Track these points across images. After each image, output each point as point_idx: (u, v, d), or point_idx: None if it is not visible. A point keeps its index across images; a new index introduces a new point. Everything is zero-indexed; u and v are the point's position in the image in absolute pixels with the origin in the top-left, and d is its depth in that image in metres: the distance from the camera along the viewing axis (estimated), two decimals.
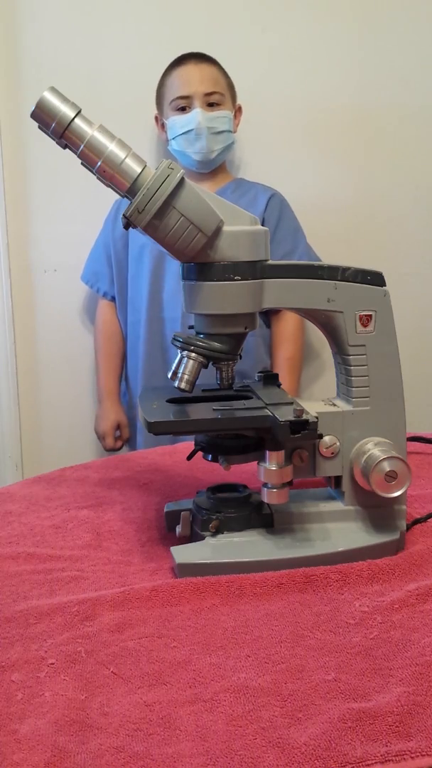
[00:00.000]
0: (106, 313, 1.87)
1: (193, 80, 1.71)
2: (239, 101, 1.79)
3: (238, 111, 1.81)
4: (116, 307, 1.86)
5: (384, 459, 0.77)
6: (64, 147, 0.76)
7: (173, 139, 1.73)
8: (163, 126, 1.78)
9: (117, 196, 1.81)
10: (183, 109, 1.71)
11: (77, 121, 0.74)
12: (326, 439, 0.81)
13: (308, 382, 1.97)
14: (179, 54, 1.74)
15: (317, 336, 0.82)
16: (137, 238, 1.77)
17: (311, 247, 1.80)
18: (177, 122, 1.71)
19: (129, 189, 0.75)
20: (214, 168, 1.78)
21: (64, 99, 0.75)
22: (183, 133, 1.71)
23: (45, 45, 1.83)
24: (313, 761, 0.51)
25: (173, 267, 1.74)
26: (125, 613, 0.70)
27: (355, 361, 0.82)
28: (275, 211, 1.79)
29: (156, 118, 1.80)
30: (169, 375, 0.80)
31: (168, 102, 1.74)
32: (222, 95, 1.73)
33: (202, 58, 1.75)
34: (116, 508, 0.97)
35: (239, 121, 1.81)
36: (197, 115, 1.68)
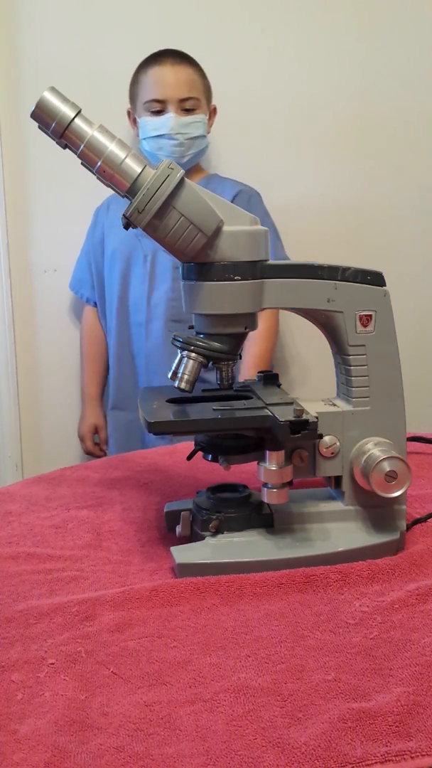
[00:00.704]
0: (89, 317, 1.90)
1: (168, 84, 1.68)
2: (229, 101, 1.76)
3: (212, 112, 1.79)
4: (99, 313, 1.89)
5: (384, 459, 0.77)
6: (64, 147, 0.76)
7: (144, 139, 1.71)
8: (135, 122, 1.75)
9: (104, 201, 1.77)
10: (157, 112, 1.68)
11: (77, 121, 0.74)
12: (326, 439, 0.81)
13: (308, 382, 1.97)
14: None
15: (317, 336, 0.82)
16: (110, 243, 1.79)
17: (283, 248, 1.78)
18: (149, 124, 1.69)
19: (129, 189, 0.75)
20: (187, 170, 1.75)
21: (64, 99, 0.75)
22: (154, 136, 1.69)
23: (45, 45, 1.83)
24: (313, 761, 0.51)
25: (139, 273, 1.75)
26: (125, 613, 0.70)
27: (355, 361, 0.82)
28: (241, 205, 1.75)
29: (128, 112, 1.77)
30: (169, 375, 0.80)
31: (141, 102, 1.71)
32: (197, 100, 1.70)
33: (180, 58, 1.71)
34: (116, 508, 0.97)
35: (213, 121, 1.79)
36: (170, 120, 1.66)
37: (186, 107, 1.68)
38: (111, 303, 1.81)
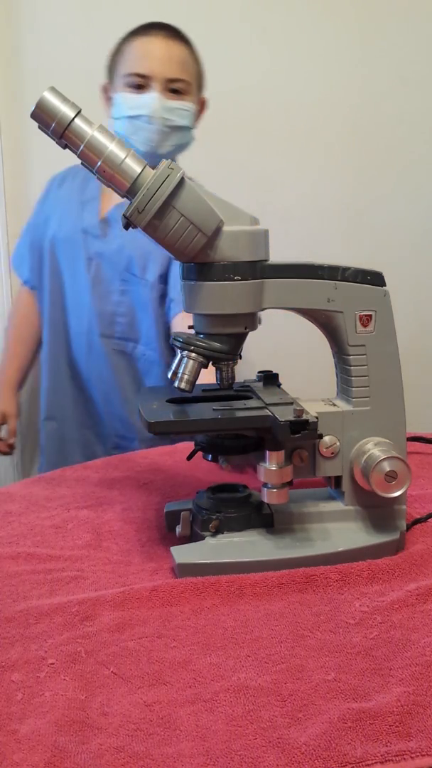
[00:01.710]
0: (24, 299, 1.68)
1: (157, 58, 1.40)
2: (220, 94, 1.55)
3: (203, 105, 1.53)
4: (37, 300, 1.66)
5: (384, 459, 0.77)
6: (64, 147, 0.76)
7: (118, 119, 1.42)
8: (110, 100, 1.47)
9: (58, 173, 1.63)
10: (138, 88, 1.39)
11: (77, 121, 0.74)
12: (326, 439, 0.81)
13: (308, 382, 1.97)
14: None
15: (317, 336, 0.82)
16: (52, 227, 1.57)
17: None
18: (127, 101, 1.40)
19: (129, 189, 0.75)
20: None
21: (64, 99, 0.75)
22: (131, 117, 1.40)
23: (45, 45, 1.83)
24: (313, 761, 0.51)
25: (81, 278, 1.54)
26: (125, 613, 0.70)
27: (355, 361, 0.82)
28: None
29: (104, 88, 1.49)
30: (169, 375, 0.80)
31: (121, 74, 1.42)
32: (188, 84, 1.42)
33: (175, 34, 1.44)
34: (116, 508, 0.97)
35: (202, 116, 1.54)
36: (153, 100, 1.38)
37: (173, 88, 1.41)
38: (44, 299, 1.60)
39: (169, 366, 0.81)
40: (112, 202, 1.55)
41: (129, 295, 1.52)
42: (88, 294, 1.53)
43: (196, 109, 1.48)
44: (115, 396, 1.57)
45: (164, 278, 1.51)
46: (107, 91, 1.49)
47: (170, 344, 1.53)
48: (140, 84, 1.39)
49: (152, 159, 1.45)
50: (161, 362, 1.55)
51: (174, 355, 1.62)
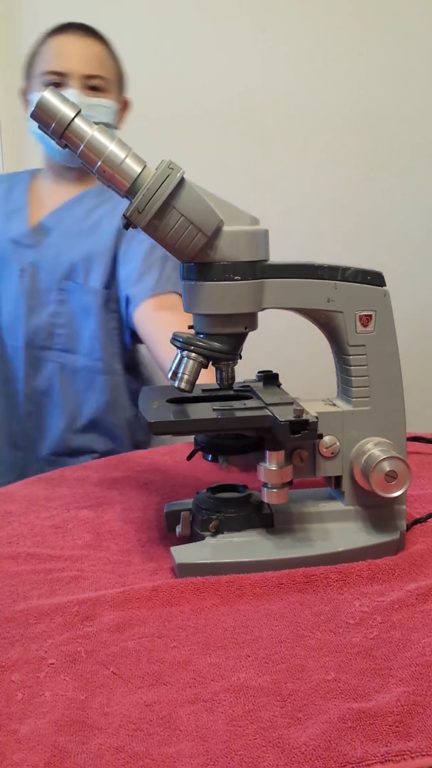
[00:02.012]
0: None
1: (72, 55, 1.40)
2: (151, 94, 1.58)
3: (125, 105, 1.52)
4: None
5: (384, 459, 0.77)
6: (64, 147, 0.76)
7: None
8: (27, 102, 1.47)
9: None
10: (55, 86, 1.33)
11: (77, 121, 0.74)
12: (326, 439, 0.81)
13: (308, 382, 1.97)
14: (179, 55, 1.70)
15: (317, 336, 0.82)
16: None
17: (177, 271, 1.53)
18: None
19: (129, 189, 0.75)
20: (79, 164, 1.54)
21: (64, 99, 0.75)
22: None
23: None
24: (313, 761, 0.51)
25: (13, 289, 1.48)
26: (125, 613, 0.70)
27: (355, 361, 0.82)
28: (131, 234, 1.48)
29: (22, 91, 1.49)
30: (169, 375, 0.80)
31: (38, 74, 1.41)
32: (107, 81, 1.42)
33: (91, 32, 1.44)
34: (116, 508, 0.97)
35: (125, 116, 1.52)
36: (71, 97, 1.28)
37: (92, 85, 1.39)
38: None
39: (171, 370, 0.80)
40: (44, 210, 1.51)
41: (68, 304, 1.47)
42: (23, 306, 1.47)
43: (117, 107, 1.46)
44: (55, 411, 1.49)
45: (109, 284, 1.46)
46: (25, 94, 1.48)
47: (127, 349, 1.49)
48: (57, 82, 1.38)
49: (75, 161, 1.38)
50: (106, 372, 1.49)
51: (129, 363, 1.51)
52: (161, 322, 1.39)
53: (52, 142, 1.34)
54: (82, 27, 1.44)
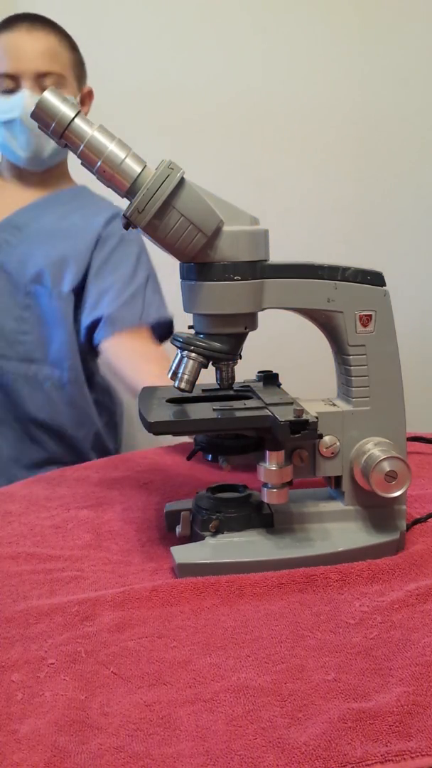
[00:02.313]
0: None
1: (22, 53, 1.31)
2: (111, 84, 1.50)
3: (87, 96, 1.44)
4: None
5: (384, 459, 0.77)
6: (64, 147, 0.77)
7: None
8: None
9: None
10: (8, 92, 1.32)
11: (77, 121, 0.74)
12: (326, 439, 0.81)
13: (308, 382, 1.97)
14: (179, 55, 1.70)
15: (317, 336, 0.82)
16: None
17: (158, 284, 1.47)
18: None
19: (129, 189, 0.75)
20: (48, 167, 1.43)
21: (64, 99, 0.75)
22: (4, 122, 1.33)
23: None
24: (313, 761, 0.51)
25: None
26: (125, 613, 0.70)
27: (355, 361, 0.82)
28: (116, 231, 1.44)
29: None
30: (169, 375, 0.80)
31: None
32: (62, 77, 1.34)
33: (40, 23, 1.35)
34: (116, 508, 0.97)
35: (89, 108, 1.46)
36: (24, 99, 1.30)
37: (47, 84, 1.32)
38: None
39: (174, 371, 0.80)
40: (5, 211, 1.42)
41: (34, 309, 1.38)
42: None
43: (78, 101, 1.40)
44: (16, 425, 1.40)
45: (79, 289, 1.39)
46: None
47: (92, 358, 1.39)
48: (10, 87, 1.31)
49: (38, 163, 1.39)
50: (74, 383, 1.41)
51: (90, 374, 1.44)
52: (138, 350, 1.36)
53: (18, 150, 1.30)
54: (28, 18, 1.35)
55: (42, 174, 1.43)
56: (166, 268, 0.85)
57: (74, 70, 1.39)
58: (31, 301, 1.38)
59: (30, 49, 1.32)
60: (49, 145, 1.36)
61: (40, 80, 1.33)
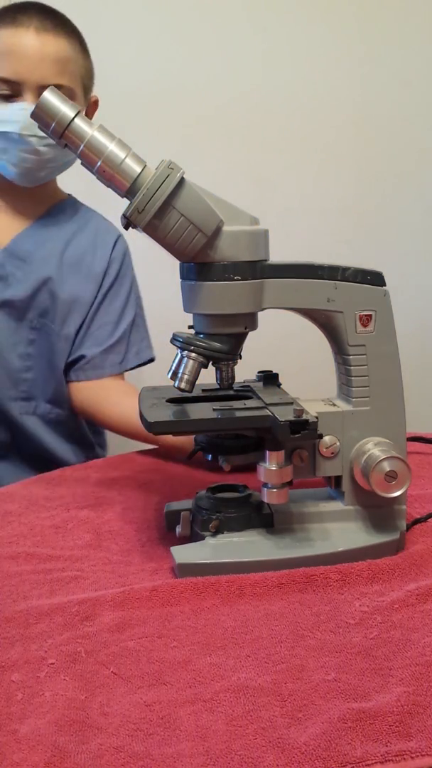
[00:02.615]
0: None
1: (28, 59, 1.12)
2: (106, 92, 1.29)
3: (92, 105, 1.28)
4: None
5: (384, 459, 0.77)
6: (64, 147, 0.77)
7: None
8: None
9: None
10: (6, 98, 1.14)
11: (77, 121, 0.74)
12: (326, 439, 0.81)
13: (308, 382, 1.97)
14: (178, 55, 1.67)
15: (317, 336, 0.82)
16: None
17: (144, 321, 1.42)
18: None
19: (129, 189, 0.75)
20: (42, 183, 1.28)
21: (64, 99, 0.75)
22: None
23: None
24: (313, 761, 0.51)
25: None
26: (125, 613, 0.70)
27: (355, 361, 0.82)
28: (121, 257, 1.37)
29: None
30: (169, 375, 0.80)
31: None
32: (71, 90, 1.18)
33: (52, 21, 1.15)
34: (116, 508, 0.97)
35: (92, 118, 1.29)
36: (25, 112, 1.13)
37: None
38: None
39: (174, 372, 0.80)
40: (1, 237, 1.29)
41: (39, 345, 1.29)
42: None
43: (84, 113, 1.22)
44: (15, 460, 1.35)
45: (79, 328, 1.32)
46: None
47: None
48: (7, 93, 1.14)
49: (32, 180, 1.24)
50: (71, 417, 1.35)
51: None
52: (121, 389, 1.33)
53: (11, 166, 1.19)
54: (39, 13, 1.14)
55: (34, 189, 1.29)
56: (167, 268, 0.85)
57: (83, 81, 1.22)
58: (36, 336, 1.30)
59: (37, 54, 1.13)
60: (48, 164, 1.22)
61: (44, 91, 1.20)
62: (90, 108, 1.29)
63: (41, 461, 1.31)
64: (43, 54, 1.13)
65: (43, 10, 1.17)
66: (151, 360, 1.41)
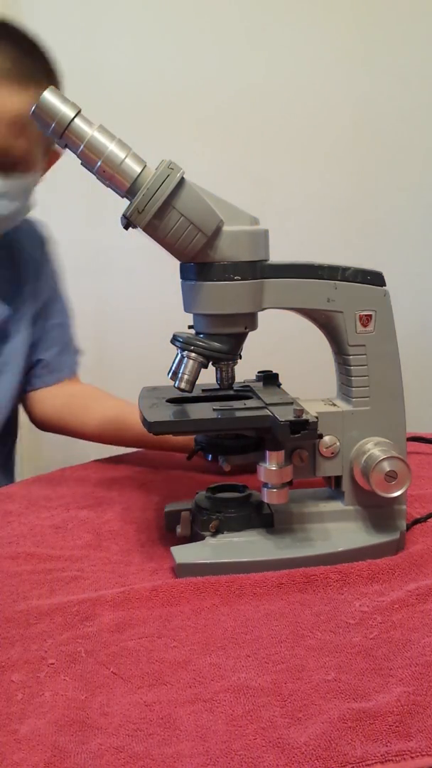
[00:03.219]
0: None
1: None
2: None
3: (52, 159, 1.10)
4: None
5: (384, 459, 0.77)
6: (64, 147, 0.77)
7: None
8: None
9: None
10: None
11: (77, 121, 0.74)
12: (326, 439, 0.81)
13: (308, 382, 1.97)
14: (178, 55, 1.67)
15: (317, 336, 0.82)
16: None
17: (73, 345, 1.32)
18: None
19: (129, 189, 0.75)
20: None
21: (64, 99, 0.75)
22: None
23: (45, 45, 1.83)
24: (313, 761, 0.51)
25: None
26: (125, 613, 0.70)
27: (355, 361, 0.82)
28: (42, 256, 1.31)
29: None
30: (169, 375, 0.80)
31: None
32: (28, 152, 0.99)
33: (20, 65, 0.97)
34: (116, 508, 0.97)
35: (51, 166, 1.13)
36: None
37: (5, 163, 0.98)
38: None
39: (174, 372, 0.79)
40: None
41: None
42: None
43: (40, 176, 1.06)
44: None
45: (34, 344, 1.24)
46: None
47: None
48: None
49: None
50: (9, 439, 1.29)
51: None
52: (86, 393, 1.28)
53: None
54: (9, 49, 0.94)
55: None
56: (167, 268, 0.84)
57: (44, 139, 1.00)
58: None
59: None
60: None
61: None
62: (50, 161, 1.10)
63: None
64: (4, 111, 0.94)
65: (16, 44, 0.97)
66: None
